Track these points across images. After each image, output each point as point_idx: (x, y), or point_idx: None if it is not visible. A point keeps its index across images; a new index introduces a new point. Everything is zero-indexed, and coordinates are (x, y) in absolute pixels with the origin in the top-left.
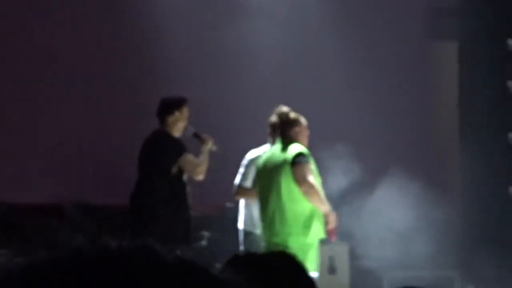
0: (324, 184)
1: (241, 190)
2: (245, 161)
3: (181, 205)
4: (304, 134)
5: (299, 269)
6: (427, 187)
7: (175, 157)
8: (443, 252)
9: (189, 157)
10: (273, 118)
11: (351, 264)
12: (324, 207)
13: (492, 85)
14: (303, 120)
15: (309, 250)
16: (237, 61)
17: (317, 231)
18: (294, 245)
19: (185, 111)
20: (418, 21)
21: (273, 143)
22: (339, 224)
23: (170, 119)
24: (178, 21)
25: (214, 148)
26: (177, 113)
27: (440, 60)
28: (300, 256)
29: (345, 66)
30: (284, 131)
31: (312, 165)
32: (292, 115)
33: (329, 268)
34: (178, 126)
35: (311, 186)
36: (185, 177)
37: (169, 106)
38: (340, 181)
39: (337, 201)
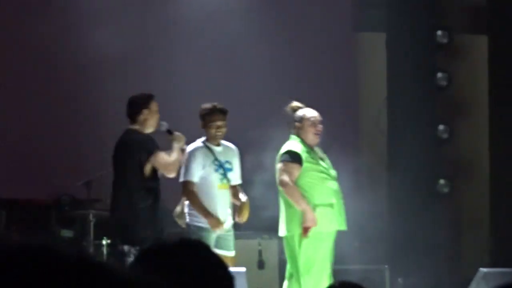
0: (256, 179)
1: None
2: (196, 155)
3: (155, 203)
4: (308, 129)
5: (211, 258)
6: (355, 181)
7: (147, 156)
8: (372, 246)
9: (161, 155)
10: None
11: (280, 258)
12: (300, 205)
13: (421, 77)
14: (308, 115)
15: (302, 244)
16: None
17: (319, 224)
18: (291, 241)
19: (154, 106)
20: (345, 13)
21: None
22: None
23: (140, 118)
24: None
25: (185, 147)
26: (145, 111)
27: (368, 52)
28: (296, 250)
29: (272, 59)
30: (290, 127)
31: (295, 164)
32: (297, 110)
33: (258, 262)
34: (149, 123)
35: (284, 184)
36: (159, 174)
37: (137, 105)
38: (268, 178)
39: (268, 196)
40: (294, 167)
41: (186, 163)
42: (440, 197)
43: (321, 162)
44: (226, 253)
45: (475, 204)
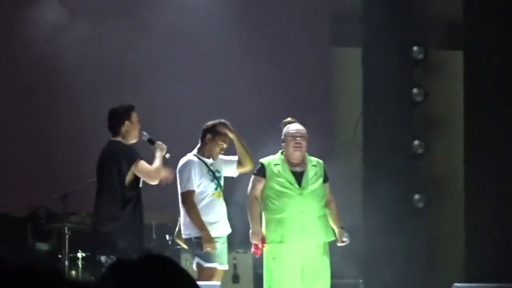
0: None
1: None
2: (194, 166)
3: (135, 213)
4: (289, 143)
5: (178, 274)
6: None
7: (128, 165)
8: (347, 260)
9: (142, 163)
10: None
11: (254, 272)
12: (251, 221)
13: (396, 92)
14: (290, 128)
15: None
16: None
17: (268, 238)
18: None
19: (134, 117)
20: (321, 28)
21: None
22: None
23: (122, 129)
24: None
25: (167, 155)
26: (127, 123)
27: (344, 67)
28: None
29: (248, 73)
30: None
31: (258, 176)
32: (282, 125)
33: (233, 276)
34: (132, 134)
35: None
36: (140, 184)
37: (118, 116)
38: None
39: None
40: (257, 179)
41: (184, 174)
42: (415, 211)
43: (289, 175)
44: (223, 267)
45: (450, 219)
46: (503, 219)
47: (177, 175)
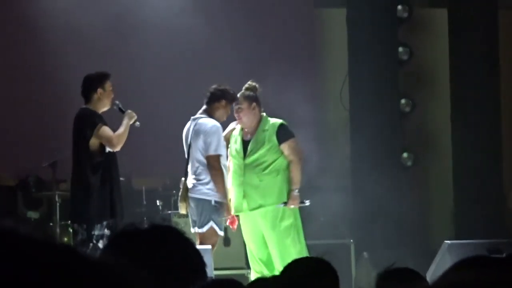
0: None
1: None
2: (221, 133)
3: (105, 180)
4: None
5: (183, 242)
6: (319, 156)
7: (90, 130)
8: (337, 221)
9: (103, 129)
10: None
11: None
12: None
13: (382, 52)
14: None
15: None
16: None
17: None
18: None
19: (108, 86)
20: None
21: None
22: None
23: (94, 96)
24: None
25: (136, 124)
26: (99, 90)
27: (328, 28)
28: None
29: (233, 36)
30: None
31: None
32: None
33: (224, 239)
34: (103, 102)
35: None
36: (107, 149)
37: (92, 83)
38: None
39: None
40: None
41: (215, 137)
42: (403, 170)
43: (235, 144)
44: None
45: (439, 177)
46: (490, 175)
47: (204, 137)
